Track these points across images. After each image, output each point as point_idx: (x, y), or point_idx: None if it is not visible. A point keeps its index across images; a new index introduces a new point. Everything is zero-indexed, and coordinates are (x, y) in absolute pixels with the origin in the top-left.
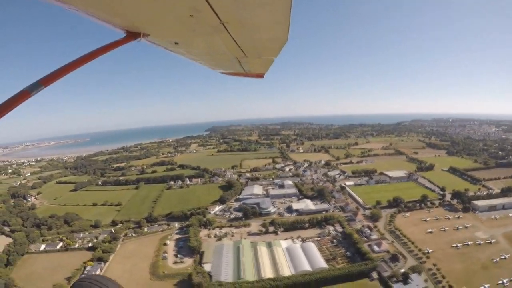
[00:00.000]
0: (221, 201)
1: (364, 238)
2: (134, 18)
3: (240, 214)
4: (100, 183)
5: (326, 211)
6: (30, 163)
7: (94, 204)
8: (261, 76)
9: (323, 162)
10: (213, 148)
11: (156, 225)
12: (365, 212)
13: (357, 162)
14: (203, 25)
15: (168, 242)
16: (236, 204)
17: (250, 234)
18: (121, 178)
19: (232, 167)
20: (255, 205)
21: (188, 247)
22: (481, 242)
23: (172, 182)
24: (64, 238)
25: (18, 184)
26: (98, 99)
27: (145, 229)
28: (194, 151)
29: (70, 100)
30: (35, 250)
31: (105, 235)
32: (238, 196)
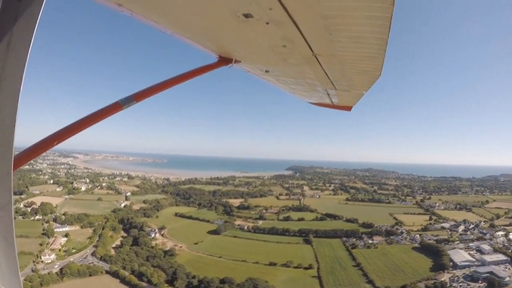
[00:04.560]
0: (442, 269)
1: None
2: (227, 44)
3: (476, 285)
4: (246, 228)
5: None
6: (123, 178)
7: (272, 264)
8: (348, 109)
9: (482, 223)
10: (333, 194)
11: None
12: None
13: None
14: (295, 55)
15: None
16: (457, 273)
17: None
18: (278, 226)
19: (397, 224)
20: (487, 274)
21: None
22: None
23: (346, 239)
24: None
25: (122, 206)
26: (173, 121)
27: None
28: (318, 196)
29: (149, 118)
30: None
31: None
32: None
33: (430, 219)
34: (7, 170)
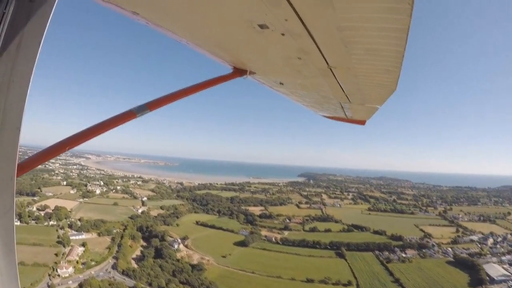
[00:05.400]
0: (480, 284)
1: None
2: (242, 55)
3: None
4: (274, 239)
5: None
6: (137, 182)
7: (310, 281)
8: (362, 123)
9: (509, 236)
10: (353, 203)
11: None
12: None
13: None
14: (310, 68)
15: None
16: None
17: None
18: (305, 237)
19: (425, 236)
20: None
21: None
22: None
23: (378, 252)
24: None
25: (140, 212)
26: (184, 124)
27: None
28: (339, 206)
29: (160, 120)
30: None
31: None
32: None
33: (457, 231)
34: (11, 175)
